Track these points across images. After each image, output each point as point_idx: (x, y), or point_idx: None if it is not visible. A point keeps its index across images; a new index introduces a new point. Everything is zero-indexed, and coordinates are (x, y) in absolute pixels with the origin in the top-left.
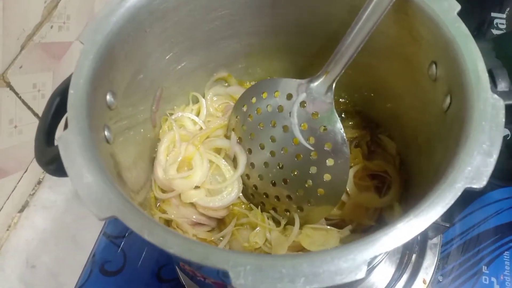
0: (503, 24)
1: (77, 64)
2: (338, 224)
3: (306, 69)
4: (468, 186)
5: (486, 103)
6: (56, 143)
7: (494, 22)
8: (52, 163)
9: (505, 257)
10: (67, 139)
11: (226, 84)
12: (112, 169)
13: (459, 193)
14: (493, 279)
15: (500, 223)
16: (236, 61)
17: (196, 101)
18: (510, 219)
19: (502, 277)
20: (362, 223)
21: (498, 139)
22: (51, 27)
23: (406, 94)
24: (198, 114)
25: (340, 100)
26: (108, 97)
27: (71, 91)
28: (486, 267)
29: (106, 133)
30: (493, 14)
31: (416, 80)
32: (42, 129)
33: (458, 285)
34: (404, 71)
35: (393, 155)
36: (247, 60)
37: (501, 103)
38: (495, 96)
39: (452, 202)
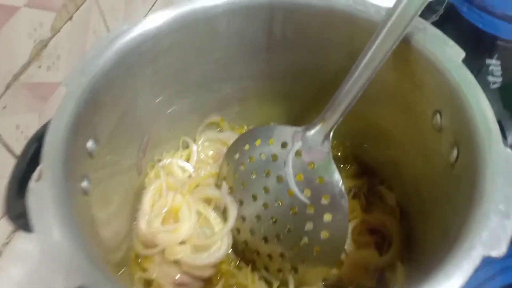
0: (498, 71)
1: (58, 108)
2: (336, 286)
3: (302, 115)
4: (487, 254)
5: (498, 157)
6: None
7: (490, 69)
8: (23, 216)
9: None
10: (39, 191)
11: (219, 129)
12: (87, 226)
13: (477, 262)
14: None
15: (508, 283)
16: (229, 105)
17: (186, 146)
18: None
19: None
20: (361, 284)
21: None
22: (39, 66)
23: (407, 144)
24: (188, 160)
25: (335, 142)
26: (90, 143)
27: (48, 138)
28: None
29: (84, 183)
30: (487, 61)
31: (419, 129)
32: (15, 178)
33: None
34: (405, 119)
35: (392, 207)
36: (241, 105)
37: None
38: (508, 150)
39: (470, 272)
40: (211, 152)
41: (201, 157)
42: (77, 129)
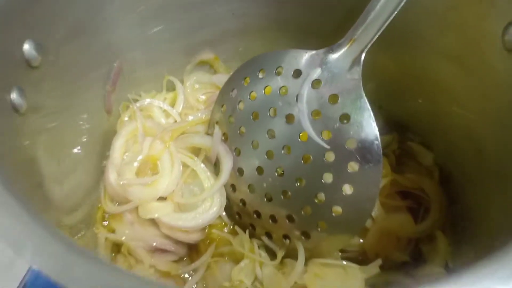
0: None
1: None
2: (357, 259)
3: None
4: None
5: None
6: None
7: None
8: None
9: None
10: None
11: (212, 70)
12: (22, 156)
13: None
14: None
15: None
16: (225, 38)
17: (172, 88)
18: None
19: None
20: (391, 258)
21: None
22: None
23: (460, 90)
24: (173, 106)
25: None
26: (27, 46)
27: None
28: None
29: (13, 96)
30: None
31: (482, 57)
32: None
33: None
34: (462, 50)
35: (429, 167)
36: (240, 39)
37: None
38: None
39: None
40: (202, 97)
41: (190, 101)
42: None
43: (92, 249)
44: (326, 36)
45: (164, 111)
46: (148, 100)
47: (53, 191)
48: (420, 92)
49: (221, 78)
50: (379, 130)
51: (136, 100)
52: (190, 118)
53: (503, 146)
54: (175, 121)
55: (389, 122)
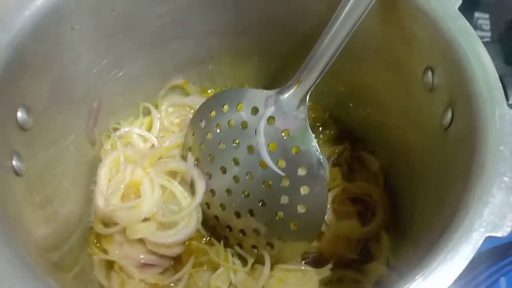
0: (487, 25)
1: None
2: (316, 259)
3: (278, 74)
4: (489, 234)
5: (503, 122)
6: None
7: (478, 23)
8: None
9: (501, 284)
10: None
11: (184, 93)
12: (24, 209)
13: (479, 245)
14: None
15: (495, 245)
16: (194, 65)
17: (147, 112)
18: (505, 240)
19: None
20: (343, 257)
21: None
22: None
23: (394, 105)
24: (149, 129)
25: (312, 104)
26: (20, 114)
27: None
28: None
29: (14, 162)
30: (476, 15)
31: (408, 89)
32: None
33: None
34: (392, 78)
35: (376, 173)
36: (208, 65)
37: None
38: None
39: (471, 256)
40: (176, 120)
41: (165, 124)
42: (0, 97)
43: (87, 268)
44: (284, 61)
45: (142, 136)
46: (126, 129)
47: (49, 222)
48: (370, 107)
49: (192, 99)
50: (335, 140)
51: (116, 129)
52: (167, 142)
53: (426, 156)
54: (153, 145)
55: (343, 133)
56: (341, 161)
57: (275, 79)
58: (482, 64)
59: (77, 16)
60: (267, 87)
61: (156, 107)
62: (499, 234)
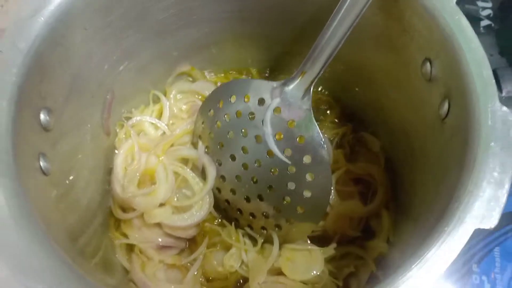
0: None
1: None
2: (321, 237)
3: (282, 57)
4: (477, 227)
5: (494, 118)
6: None
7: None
8: None
9: (495, 253)
10: None
11: (191, 79)
12: (51, 204)
13: (468, 237)
14: (484, 277)
15: None
16: (199, 51)
17: (157, 100)
18: (510, 209)
19: (493, 276)
20: (346, 234)
21: (510, 164)
22: None
23: (395, 91)
24: (160, 116)
25: (316, 88)
26: (42, 116)
27: None
28: (476, 265)
29: (41, 163)
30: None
31: (407, 77)
32: None
33: (448, 286)
34: (392, 65)
35: (377, 154)
36: (214, 49)
37: (511, 118)
38: (505, 108)
39: (461, 248)
40: (184, 106)
41: (174, 111)
42: (24, 102)
43: (110, 252)
44: (288, 46)
45: (153, 124)
46: (138, 118)
47: (73, 212)
48: (372, 91)
49: (200, 85)
50: (338, 121)
51: (128, 118)
52: (177, 130)
53: (424, 142)
54: (163, 133)
55: (346, 114)
56: (343, 142)
57: (277, 63)
58: (477, 60)
59: (88, 17)
60: (270, 69)
61: (165, 94)
62: (487, 226)
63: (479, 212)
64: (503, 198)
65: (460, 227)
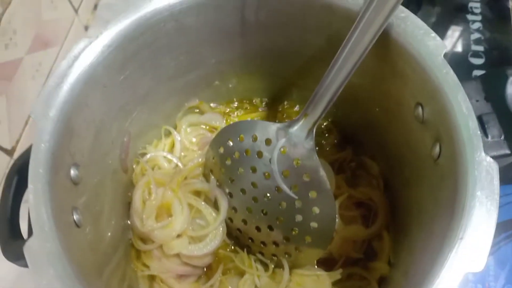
0: (477, 8)
1: (33, 151)
2: (328, 260)
3: (285, 90)
4: (467, 271)
5: (480, 168)
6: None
7: (469, 6)
8: (22, 258)
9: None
10: (33, 249)
11: (197, 110)
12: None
13: (459, 281)
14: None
15: None
16: (207, 87)
17: (169, 134)
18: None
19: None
20: (350, 256)
21: (494, 212)
22: None
23: (392, 126)
24: (171, 149)
25: None
26: (72, 172)
27: (30, 186)
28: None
29: (75, 216)
30: None
31: (402, 117)
32: (4, 219)
33: None
34: (389, 104)
35: (376, 177)
36: (219, 85)
37: (495, 167)
38: (489, 159)
39: None
40: (194, 139)
41: (185, 144)
42: (57, 165)
43: (134, 283)
44: (289, 79)
45: (167, 158)
46: (152, 154)
47: (98, 249)
48: (365, 115)
49: (208, 117)
50: (338, 146)
51: (143, 154)
52: (190, 164)
53: (418, 176)
54: (176, 165)
55: (344, 136)
56: (344, 168)
57: (278, 92)
58: (463, 113)
59: (107, 76)
60: (272, 98)
61: (175, 127)
62: (476, 269)
63: (468, 257)
64: (488, 244)
65: (452, 271)
